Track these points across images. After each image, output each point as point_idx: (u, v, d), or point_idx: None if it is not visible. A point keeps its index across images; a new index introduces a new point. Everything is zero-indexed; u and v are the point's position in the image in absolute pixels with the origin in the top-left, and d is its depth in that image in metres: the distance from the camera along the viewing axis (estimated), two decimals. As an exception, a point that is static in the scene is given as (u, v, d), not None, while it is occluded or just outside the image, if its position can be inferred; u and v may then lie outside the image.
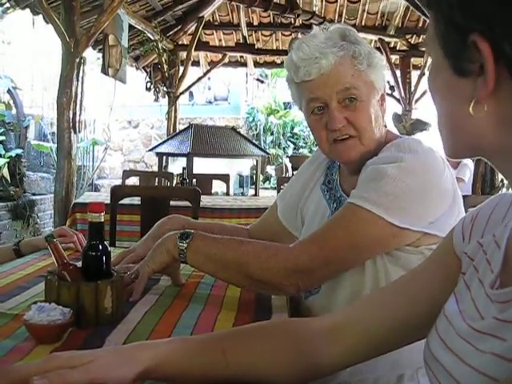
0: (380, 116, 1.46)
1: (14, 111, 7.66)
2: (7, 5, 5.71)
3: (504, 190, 5.42)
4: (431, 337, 0.79)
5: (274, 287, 1.32)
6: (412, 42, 8.98)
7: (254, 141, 8.77)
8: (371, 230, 1.29)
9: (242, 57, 9.91)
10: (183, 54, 8.73)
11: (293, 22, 8.11)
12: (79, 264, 1.25)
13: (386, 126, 1.51)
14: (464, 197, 3.10)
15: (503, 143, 0.67)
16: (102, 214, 1.20)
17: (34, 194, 7.50)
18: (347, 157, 1.45)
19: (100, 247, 1.21)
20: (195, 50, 8.59)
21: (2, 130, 6.84)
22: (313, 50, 1.38)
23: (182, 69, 8.63)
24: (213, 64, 9.68)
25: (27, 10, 5.58)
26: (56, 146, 5.11)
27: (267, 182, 13.60)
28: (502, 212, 0.81)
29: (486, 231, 0.82)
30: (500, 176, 5.44)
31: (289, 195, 1.73)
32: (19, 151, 7.11)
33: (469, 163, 6.07)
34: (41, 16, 5.42)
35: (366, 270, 1.37)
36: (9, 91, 7.72)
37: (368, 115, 1.41)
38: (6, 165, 6.68)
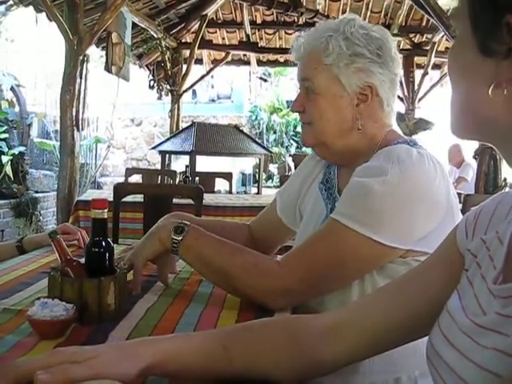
0: (348, 115, 1.43)
1: (17, 109, 7.67)
2: (10, 2, 5.71)
3: (507, 189, 5.41)
4: (434, 333, 0.79)
5: (259, 303, 1.30)
6: (415, 40, 8.98)
7: (256, 139, 8.78)
8: (359, 250, 1.26)
9: (245, 55, 9.90)
10: (186, 52, 8.75)
11: (296, 20, 8.09)
12: (82, 260, 1.25)
13: (391, 126, 1.50)
14: (467, 196, 3.12)
15: None
16: (105, 210, 1.20)
17: (36, 192, 7.50)
18: (303, 141, 1.57)
19: (103, 243, 1.21)
20: (198, 48, 8.60)
21: (5, 127, 6.84)
22: (304, 36, 1.46)
23: (185, 67, 8.64)
24: (216, 62, 9.69)
25: (30, 8, 5.59)
26: (59, 143, 5.12)
27: (270, 180, 13.60)
28: (505, 209, 0.81)
29: (489, 228, 0.82)
30: (503, 175, 5.43)
31: (288, 192, 1.73)
32: (22, 149, 7.12)
33: (472, 163, 6.07)
34: (44, 14, 5.42)
35: (352, 283, 1.35)
36: (12, 89, 7.73)
37: (319, 109, 1.44)
38: (9, 162, 6.69)
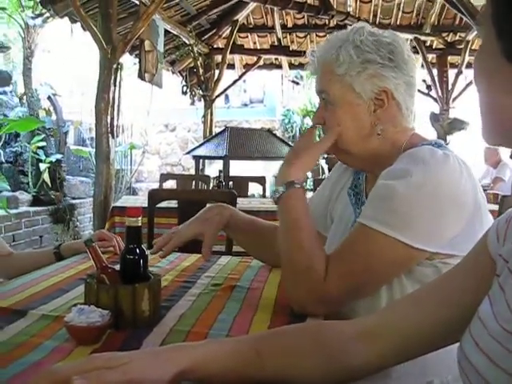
0: (366, 122, 1.43)
1: (53, 117, 7.82)
2: (47, 14, 5.84)
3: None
4: (465, 338, 0.79)
5: (296, 308, 1.33)
6: (448, 40, 8.87)
7: (290, 143, 8.74)
8: (389, 254, 1.26)
9: (276, 59, 9.92)
10: (218, 58, 8.80)
11: (327, 22, 8.09)
12: (117, 267, 1.27)
13: (413, 129, 1.49)
14: (503, 197, 3.06)
15: None
16: (140, 218, 1.22)
17: (73, 198, 7.63)
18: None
19: (137, 251, 1.23)
20: (230, 53, 8.64)
21: (43, 135, 6.97)
22: (317, 51, 1.49)
23: (217, 72, 8.69)
24: (248, 67, 9.71)
25: (66, 19, 5.70)
26: (94, 150, 5.20)
27: (303, 183, 13.55)
28: None
29: (522, 232, 0.81)
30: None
31: (319, 198, 1.74)
32: (59, 156, 7.25)
33: (509, 162, 5.96)
34: (79, 24, 5.53)
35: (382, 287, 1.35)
36: (49, 98, 7.88)
37: (336, 119, 1.45)
38: (47, 170, 6.82)
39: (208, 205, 1.80)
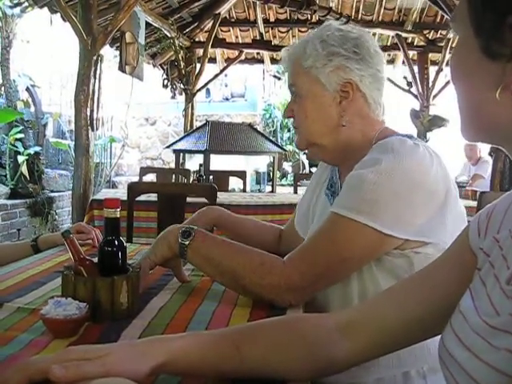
0: (333, 113, 1.46)
1: (32, 109, 7.72)
2: (25, 4, 5.76)
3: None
4: (446, 333, 0.79)
5: (267, 301, 1.31)
6: (430, 37, 8.93)
7: (270, 137, 8.74)
8: (358, 240, 1.27)
9: (258, 53, 9.91)
10: (200, 51, 8.77)
11: (309, 18, 8.08)
12: (95, 259, 1.26)
13: (383, 122, 1.51)
14: (482, 193, 3.09)
15: None
16: (118, 209, 1.21)
17: (52, 191, 7.55)
18: (296, 145, 1.62)
19: (116, 243, 1.22)
20: (212, 46, 8.61)
21: (21, 127, 6.89)
22: (289, 48, 1.56)
23: (198, 66, 8.66)
24: (229, 61, 9.70)
25: (45, 9, 5.63)
26: (74, 143, 5.15)
27: (284, 178, 13.58)
28: None
29: (503, 227, 0.81)
30: (519, 172, 5.38)
31: (303, 204, 1.74)
32: (38, 149, 7.17)
33: (489, 159, 6.02)
34: (58, 14, 5.47)
35: (352, 277, 1.36)
36: (27, 89, 7.78)
37: (304, 110, 1.50)
38: (25, 162, 6.74)
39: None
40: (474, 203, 3.50)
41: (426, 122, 8.50)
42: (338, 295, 1.39)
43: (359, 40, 1.45)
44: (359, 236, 1.27)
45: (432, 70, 9.15)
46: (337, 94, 1.45)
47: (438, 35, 8.86)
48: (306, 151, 1.60)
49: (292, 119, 1.56)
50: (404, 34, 8.72)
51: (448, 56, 8.56)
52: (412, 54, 9.23)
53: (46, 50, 10.70)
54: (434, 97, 9.06)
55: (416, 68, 9.09)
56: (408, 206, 1.26)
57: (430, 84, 9.06)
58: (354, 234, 1.27)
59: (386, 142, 1.37)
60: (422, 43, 9.01)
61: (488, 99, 0.66)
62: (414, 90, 9.07)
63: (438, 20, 8.51)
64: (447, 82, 9.05)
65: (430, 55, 9.19)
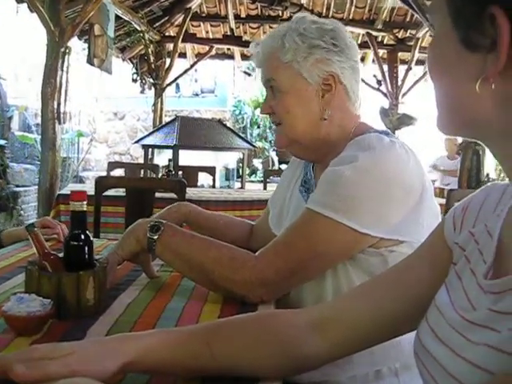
0: (315, 108, 1.44)
1: (-3, 101, 7.58)
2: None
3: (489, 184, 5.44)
4: (422, 328, 0.78)
5: (238, 297, 1.29)
6: (399, 36, 9.01)
7: (240, 134, 8.72)
8: (333, 237, 1.26)
9: (229, 49, 9.89)
10: (170, 46, 8.71)
11: (281, 14, 8.08)
12: (61, 254, 1.22)
13: (359, 117, 1.50)
14: (450, 191, 3.11)
15: (505, 125, 0.64)
16: (85, 202, 1.17)
17: (17, 186, 7.43)
18: (277, 144, 1.56)
19: (82, 237, 1.18)
20: (182, 41, 8.57)
21: (-15, 120, 6.76)
22: (260, 43, 1.50)
23: (168, 60, 8.61)
24: (200, 56, 9.65)
25: (11, -2, 5.50)
26: (40, 137, 5.06)
27: (253, 175, 13.59)
28: (493, 202, 0.80)
29: (478, 221, 0.81)
30: (486, 171, 5.46)
31: (275, 201, 1.72)
32: (2, 142, 7.05)
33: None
34: (25, 4, 5.35)
35: (326, 275, 1.34)
36: (-8, 81, 7.63)
37: (286, 106, 1.45)
38: (-11, 156, 6.61)
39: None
40: (442, 200, 3.53)
41: (395, 120, 8.58)
42: (312, 292, 1.37)
43: (335, 32, 1.43)
44: (333, 233, 1.25)
45: (401, 68, 9.24)
46: (319, 87, 1.43)
47: (408, 34, 8.93)
48: (284, 150, 1.56)
49: (269, 116, 1.52)
50: (374, 33, 8.78)
51: (417, 55, 8.67)
52: (382, 52, 9.31)
53: (12, 41, 10.50)
54: (403, 95, 9.17)
55: (386, 66, 9.18)
56: (384, 204, 1.25)
57: (400, 82, 9.16)
58: (329, 231, 1.25)
59: (363, 138, 1.35)
60: (391, 42, 9.09)
61: (468, 92, 0.64)
62: (383, 88, 9.15)
63: (408, 19, 8.59)
64: (416, 81, 9.18)
65: (400, 54, 9.27)
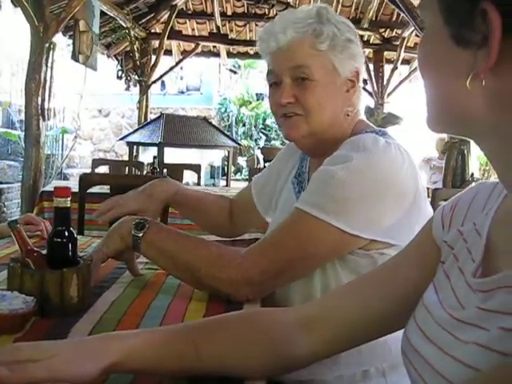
0: (340, 102, 1.41)
1: (-20, 97, 7.50)
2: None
3: (473, 184, 5.48)
4: (410, 327, 0.77)
5: (224, 295, 1.27)
6: (385, 35, 9.04)
7: (225, 132, 8.71)
8: (322, 238, 1.24)
9: (215, 47, 9.86)
10: (155, 43, 8.68)
11: (267, 12, 8.07)
12: (44, 251, 1.20)
13: (360, 115, 1.49)
14: (435, 190, 3.13)
15: (496, 122, 0.63)
16: (69, 198, 1.15)
17: (1, 183, 7.36)
18: (292, 134, 1.43)
19: (66, 233, 1.16)
20: (168, 38, 8.54)
21: (-32, 116, 6.69)
22: (279, 24, 1.38)
23: (154, 57, 8.58)
24: (185, 53, 9.63)
25: (-5, -7, 5.45)
26: (24, 133, 5.01)
27: (239, 173, 13.58)
28: (482, 200, 0.80)
29: (466, 220, 0.80)
30: (470, 170, 5.50)
31: (264, 181, 1.72)
32: (-14, 138, 6.97)
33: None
34: (9, -1, 5.29)
35: (315, 274, 1.33)
36: (-25, 76, 7.55)
37: (317, 97, 1.37)
38: (-28, 152, 6.54)
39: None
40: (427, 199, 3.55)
41: (380, 120, 8.61)
42: (300, 292, 1.36)
43: (351, 27, 1.42)
44: (322, 234, 1.23)
45: (387, 68, 9.28)
46: (347, 81, 1.40)
47: (394, 34, 8.97)
48: (293, 140, 1.49)
49: (286, 106, 1.40)
50: (360, 32, 8.77)
51: (403, 55, 8.70)
52: (368, 51, 9.32)
53: (-4, 37, 10.39)
54: (389, 95, 9.21)
55: (371, 66, 9.20)
56: (376, 206, 1.24)
57: (385, 82, 9.20)
58: (318, 232, 1.23)
59: (358, 138, 1.32)
60: (377, 41, 9.11)
61: (458, 89, 0.63)
62: (368, 87, 9.17)
63: (394, 19, 8.62)
64: (402, 81, 9.22)
65: (386, 53, 9.31)
